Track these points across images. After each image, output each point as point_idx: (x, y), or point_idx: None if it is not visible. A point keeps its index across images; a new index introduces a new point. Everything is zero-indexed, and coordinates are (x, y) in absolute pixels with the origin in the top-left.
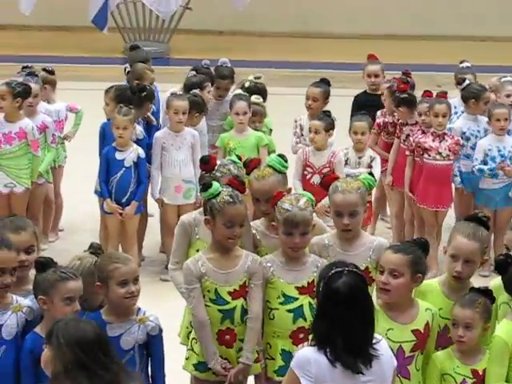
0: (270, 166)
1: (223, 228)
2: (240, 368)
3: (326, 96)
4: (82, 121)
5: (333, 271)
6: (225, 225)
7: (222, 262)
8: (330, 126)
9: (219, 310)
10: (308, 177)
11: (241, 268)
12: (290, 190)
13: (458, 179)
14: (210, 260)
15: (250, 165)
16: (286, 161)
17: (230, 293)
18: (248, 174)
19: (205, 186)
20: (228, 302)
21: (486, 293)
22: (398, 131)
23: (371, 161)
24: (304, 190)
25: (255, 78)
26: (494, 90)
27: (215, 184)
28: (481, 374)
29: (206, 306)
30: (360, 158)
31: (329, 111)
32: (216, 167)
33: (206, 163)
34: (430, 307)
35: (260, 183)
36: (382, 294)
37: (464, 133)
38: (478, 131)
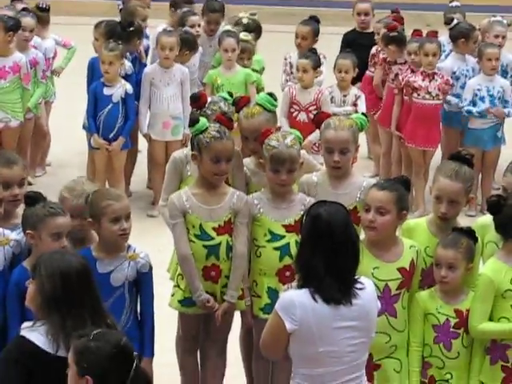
0: (259, 105)
1: (209, 163)
2: (225, 307)
3: (316, 34)
4: (73, 56)
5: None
6: (211, 160)
7: (207, 198)
8: (317, 64)
9: (204, 246)
10: (294, 114)
11: (225, 205)
12: (279, 128)
13: (454, 99)
14: (196, 195)
15: (240, 102)
16: (276, 99)
17: (214, 228)
18: (237, 111)
19: (192, 122)
20: (213, 238)
21: (469, 233)
22: (386, 70)
23: (356, 99)
24: (290, 127)
25: (250, 15)
26: (483, 31)
27: (202, 119)
28: (464, 313)
29: (191, 241)
30: (345, 96)
31: (315, 49)
32: (206, 105)
33: (196, 100)
34: (414, 244)
35: (249, 121)
36: (368, 232)
37: (454, 72)
38: (467, 70)
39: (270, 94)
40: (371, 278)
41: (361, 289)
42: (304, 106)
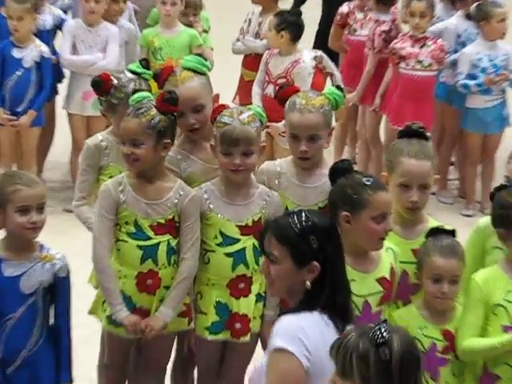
0: (187, 69)
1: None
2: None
3: None
4: None
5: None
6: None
7: (146, 191)
8: (297, 35)
9: (139, 247)
10: (265, 86)
11: (167, 201)
12: (216, 96)
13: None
14: (134, 185)
15: (162, 74)
16: (206, 59)
17: (151, 227)
18: (161, 87)
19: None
20: (150, 238)
21: (452, 232)
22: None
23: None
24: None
25: None
26: None
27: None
28: (454, 334)
29: (122, 241)
30: None
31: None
32: (112, 90)
33: (99, 86)
34: (390, 246)
35: (181, 90)
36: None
37: (459, 36)
38: (477, 33)
39: (198, 55)
40: None
41: None
42: (274, 78)
